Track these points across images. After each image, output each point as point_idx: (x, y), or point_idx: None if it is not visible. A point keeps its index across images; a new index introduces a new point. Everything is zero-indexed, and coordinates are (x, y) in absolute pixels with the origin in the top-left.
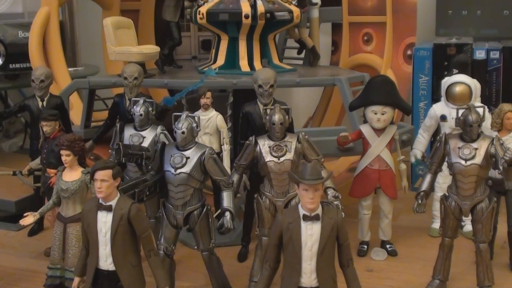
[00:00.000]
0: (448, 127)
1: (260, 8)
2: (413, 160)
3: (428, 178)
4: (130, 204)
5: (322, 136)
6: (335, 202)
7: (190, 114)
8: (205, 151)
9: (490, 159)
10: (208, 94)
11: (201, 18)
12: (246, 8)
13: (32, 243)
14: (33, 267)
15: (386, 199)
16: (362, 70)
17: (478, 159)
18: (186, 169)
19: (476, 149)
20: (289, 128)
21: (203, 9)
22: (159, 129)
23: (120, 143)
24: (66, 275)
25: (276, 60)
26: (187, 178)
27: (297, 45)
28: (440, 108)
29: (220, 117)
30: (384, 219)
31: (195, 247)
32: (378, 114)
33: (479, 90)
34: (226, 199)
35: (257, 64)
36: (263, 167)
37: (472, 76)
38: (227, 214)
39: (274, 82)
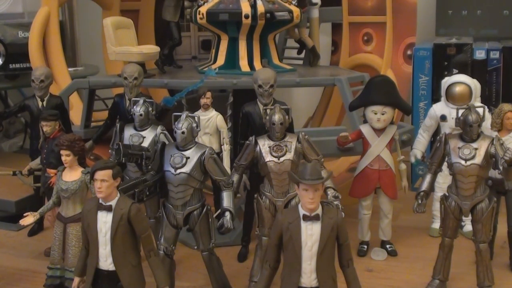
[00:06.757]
0: (448, 127)
1: (260, 8)
2: (413, 160)
3: (428, 178)
4: (130, 204)
5: (322, 136)
6: (335, 202)
7: (190, 114)
8: (205, 151)
9: (490, 159)
10: (208, 94)
11: (201, 18)
12: (246, 8)
13: (32, 243)
14: (33, 267)
15: (386, 199)
16: (362, 70)
17: (478, 159)
18: (186, 169)
19: (476, 149)
20: (289, 128)
21: (203, 9)
22: (159, 129)
23: (120, 143)
24: (66, 275)
25: (276, 60)
26: (187, 178)
27: (297, 45)
28: (440, 108)
29: (220, 117)
30: (384, 219)
31: (195, 247)
32: (378, 114)
33: (479, 90)
34: (226, 199)
35: (257, 64)
36: (263, 167)
37: (472, 76)
38: (227, 214)
39: (274, 82)
